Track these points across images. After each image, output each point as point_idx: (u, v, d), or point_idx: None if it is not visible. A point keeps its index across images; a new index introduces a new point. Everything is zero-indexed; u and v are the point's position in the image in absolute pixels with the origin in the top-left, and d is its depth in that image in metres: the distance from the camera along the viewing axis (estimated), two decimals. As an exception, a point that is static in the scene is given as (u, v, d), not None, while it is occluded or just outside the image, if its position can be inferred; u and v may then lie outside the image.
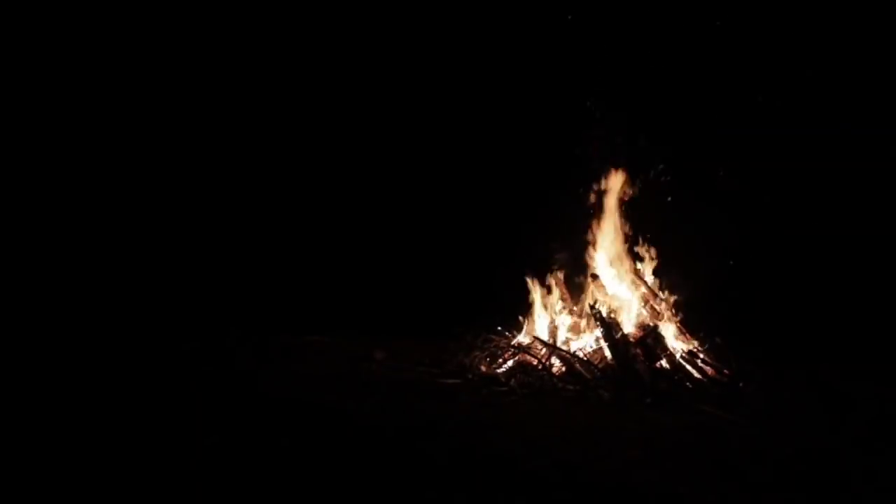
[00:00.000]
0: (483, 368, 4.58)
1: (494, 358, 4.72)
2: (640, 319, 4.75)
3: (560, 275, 5.10)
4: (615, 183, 5.13)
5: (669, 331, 4.70)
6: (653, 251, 5.09)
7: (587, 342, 4.66)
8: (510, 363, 4.60)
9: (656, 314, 4.70)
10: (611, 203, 5.12)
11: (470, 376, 4.48)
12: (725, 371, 4.53)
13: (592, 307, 4.65)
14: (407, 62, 7.17)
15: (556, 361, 4.52)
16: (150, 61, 7.08)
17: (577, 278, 5.08)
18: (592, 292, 4.92)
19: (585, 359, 4.46)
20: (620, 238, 5.09)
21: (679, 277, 4.99)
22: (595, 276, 4.96)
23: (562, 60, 6.44)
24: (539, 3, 6.71)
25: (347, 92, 7.32)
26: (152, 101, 7.15)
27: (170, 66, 7.13)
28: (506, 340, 4.91)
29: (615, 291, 4.91)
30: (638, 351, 4.37)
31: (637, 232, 5.10)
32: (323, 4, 7.17)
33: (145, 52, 7.05)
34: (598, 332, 4.54)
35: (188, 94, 7.18)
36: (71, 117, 6.93)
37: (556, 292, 5.06)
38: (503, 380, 4.33)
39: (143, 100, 7.14)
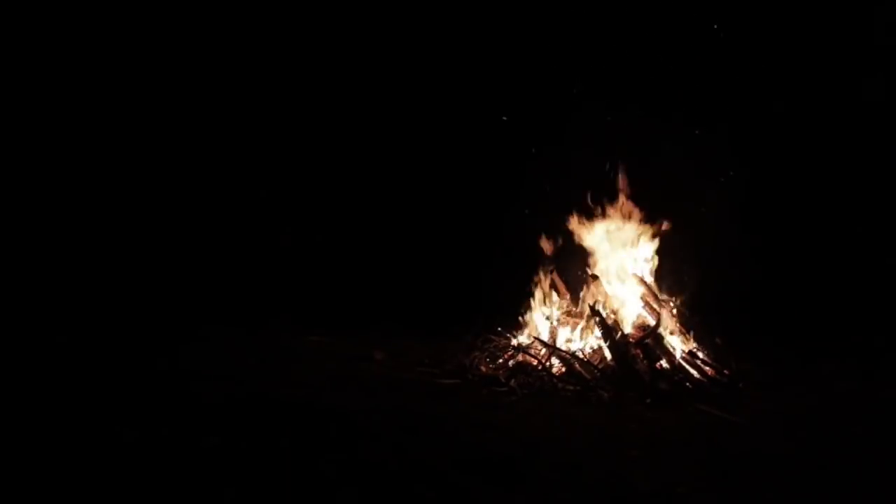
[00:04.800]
0: (483, 368, 4.58)
1: (494, 358, 4.72)
2: (640, 320, 4.75)
3: (559, 275, 5.10)
4: (614, 180, 5.13)
5: (669, 331, 4.70)
6: (653, 251, 5.09)
7: (587, 343, 4.66)
8: (510, 363, 4.60)
9: (656, 314, 4.70)
10: (611, 201, 5.12)
11: (470, 376, 4.48)
12: (725, 371, 4.53)
13: (592, 307, 4.65)
14: (401, 63, 7.18)
15: (555, 362, 4.52)
16: (143, 58, 7.08)
17: (577, 278, 5.08)
18: (592, 292, 4.92)
19: (585, 359, 4.46)
20: (620, 238, 5.09)
21: (679, 277, 5.00)
22: (595, 277, 4.96)
23: (556, 54, 6.46)
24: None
25: (345, 94, 7.32)
26: (143, 99, 7.14)
27: (163, 64, 7.12)
28: (506, 340, 4.91)
29: (615, 291, 4.91)
30: (638, 351, 4.37)
31: (637, 231, 5.10)
32: (316, 5, 7.18)
33: (140, 49, 7.05)
34: (598, 332, 4.54)
35: (183, 93, 7.17)
36: (52, 115, 6.91)
37: (555, 293, 5.05)
38: (503, 380, 4.33)
39: (134, 98, 7.13)
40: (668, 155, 5.51)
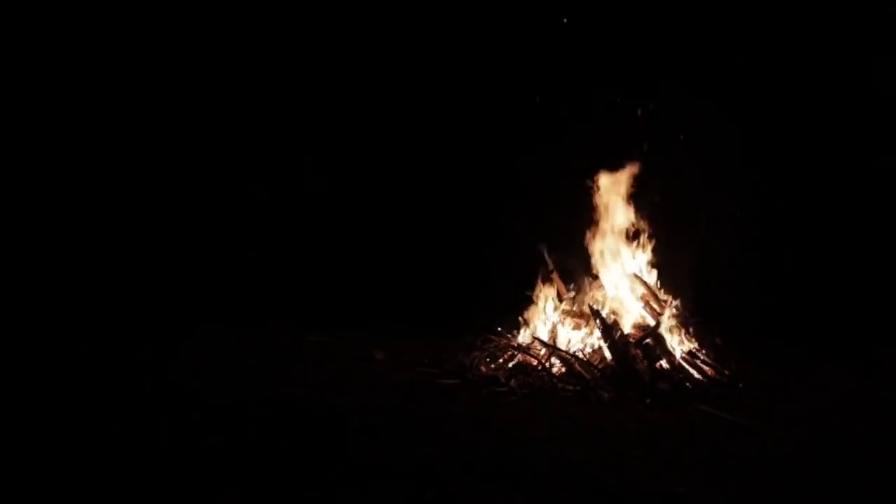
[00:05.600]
0: (483, 368, 4.58)
1: (494, 358, 4.72)
2: (640, 320, 4.75)
3: (559, 275, 5.10)
4: (616, 178, 5.13)
5: (669, 331, 4.70)
6: (653, 250, 5.09)
7: (587, 343, 4.66)
8: (510, 363, 4.60)
9: (656, 314, 4.70)
10: (612, 199, 5.12)
11: (470, 376, 4.48)
12: (725, 371, 4.53)
13: (592, 307, 4.65)
14: (401, 64, 7.18)
15: (555, 362, 4.52)
16: (141, 58, 7.07)
17: (577, 278, 5.08)
18: (592, 292, 4.92)
19: (585, 359, 4.46)
20: (621, 237, 5.09)
21: (680, 277, 5.00)
22: (595, 277, 4.96)
23: (556, 51, 6.45)
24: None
25: (346, 95, 7.32)
26: (141, 99, 7.13)
27: (161, 63, 7.11)
28: (506, 340, 4.91)
29: (615, 291, 4.91)
30: (637, 351, 4.37)
31: (638, 230, 5.10)
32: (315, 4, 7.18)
33: (139, 48, 7.04)
34: (598, 332, 4.54)
35: (180, 93, 7.16)
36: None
37: (555, 293, 5.05)
38: (503, 380, 4.33)
39: (131, 98, 7.12)
40: (670, 153, 5.51)
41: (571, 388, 4.24)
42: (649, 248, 5.09)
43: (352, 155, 7.37)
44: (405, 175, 7.18)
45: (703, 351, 4.68)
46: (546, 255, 5.10)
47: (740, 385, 4.41)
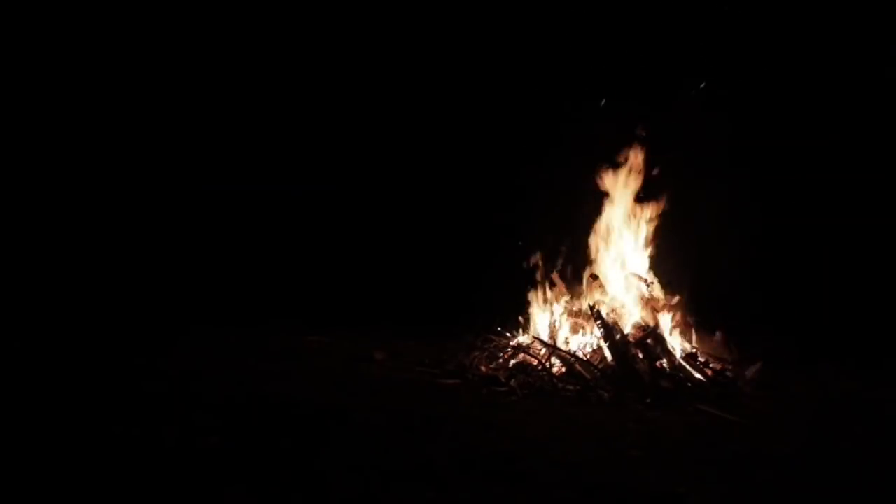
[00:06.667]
0: (483, 368, 4.58)
1: (494, 358, 4.72)
2: (640, 320, 4.75)
3: (559, 274, 5.10)
4: (616, 178, 5.13)
5: (669, 331, 4.70)
6: (653, 250, 5.09)
7: (587, 342, 4.66)
8: (510, 363, 4.60)
9: (656, 314, 4.70)
10: (613, 199, 5.12)
11: (470, 376, 4.48)
12: (726, 371, 4.53)
13: (592, 307, 4.65)
14: (403, 63, 7.18)
15: (555, 362, 4.52)
16: (140, 58, 7.07)
17: (577, 278, 5.08)
18: (592, 292, 4.92)
19: (585, 359, 4.46)
20: (621, 236, 5.09)
21: (680, 277, 5.00)
22: (595, 277, 4.96)
23: (553, 53, 6.46)
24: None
25: (351, 91, 7.32)
26: (139, 98, 7.13)
27: (159, 63, 7.11)
28: (506, 340, 4.91)
29: (615, 291, 4.91)
30: (638, 351, 4.37)
31: (638, 229, 5.10)
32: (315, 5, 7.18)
33: (138, 49, 7.04)
34: (598, 332, 4.54)
35: (177, 92, 7.16)
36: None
37: (555, 292, 5.05)
38: (503, 380, 4.33)
39: (130, 97, 7.12)
40: (668, 151, 5.51)
41: (571, 388, 4.24)
42: (649, 246, 5.09)
43: (354, 155, 7.38)
44: (406, 175, 7.18)
45: (704, 351, 4.68)
46: (545, 256, 5.10)
47: (740, 385, 4.41)
